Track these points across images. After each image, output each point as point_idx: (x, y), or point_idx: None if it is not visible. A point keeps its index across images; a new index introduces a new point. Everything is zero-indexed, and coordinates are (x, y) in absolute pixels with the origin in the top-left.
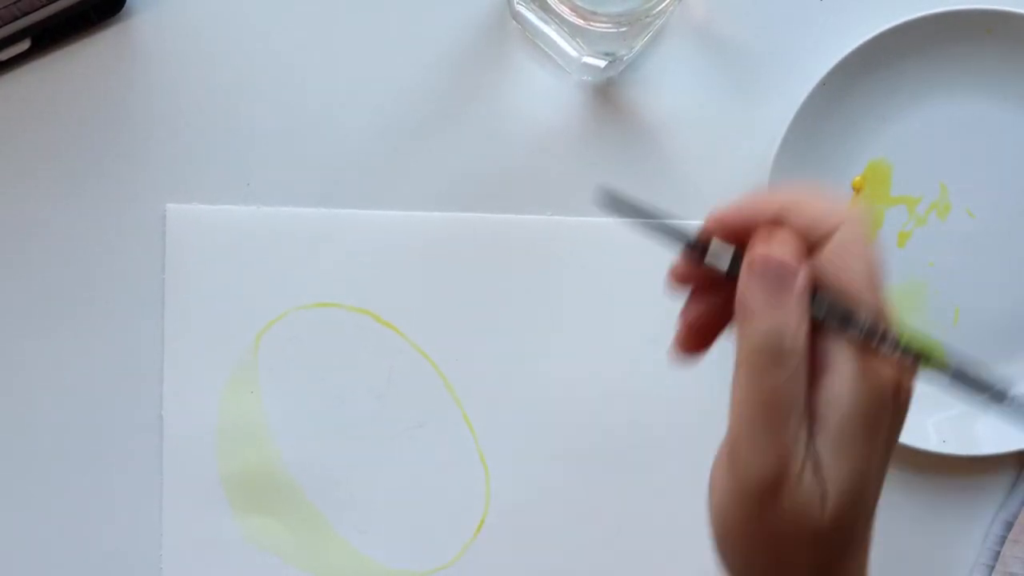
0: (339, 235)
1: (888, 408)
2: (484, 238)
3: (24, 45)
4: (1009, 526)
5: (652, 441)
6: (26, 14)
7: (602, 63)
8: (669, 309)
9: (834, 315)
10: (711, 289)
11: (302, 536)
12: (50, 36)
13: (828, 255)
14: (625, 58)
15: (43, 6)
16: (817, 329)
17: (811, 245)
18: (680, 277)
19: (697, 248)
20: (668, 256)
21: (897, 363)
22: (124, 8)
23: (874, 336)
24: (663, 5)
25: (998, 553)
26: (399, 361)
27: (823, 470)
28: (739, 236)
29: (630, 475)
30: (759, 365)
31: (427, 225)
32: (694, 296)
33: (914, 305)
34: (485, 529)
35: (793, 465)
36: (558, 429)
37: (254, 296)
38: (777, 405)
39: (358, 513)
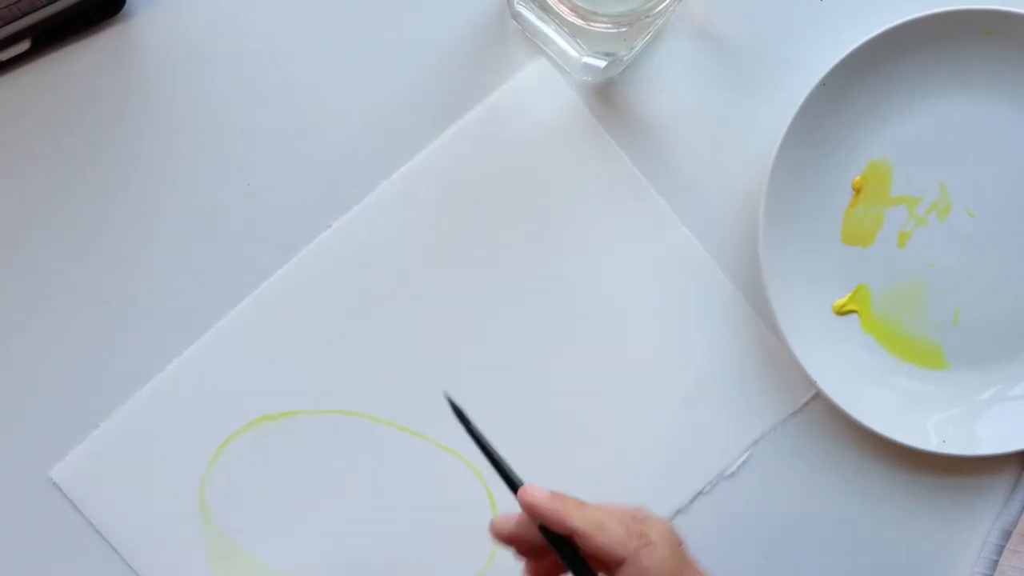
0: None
1: None
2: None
3: (24, 45)
4: (1006, 535)
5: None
6: (26, 14)
7: (602, 63)
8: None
9: None
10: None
11: None
12: (50, 36)
13: None
14: (625, 58)
15: (43, 6)
16: None
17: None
18: (502, 536)
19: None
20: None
21: None
22: (124, 8)
23: None
24: (663, 5)
25: (995, 562)
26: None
27: None
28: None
29: None
30: None
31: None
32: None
33: (914, 305)
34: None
35: None
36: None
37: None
38: None
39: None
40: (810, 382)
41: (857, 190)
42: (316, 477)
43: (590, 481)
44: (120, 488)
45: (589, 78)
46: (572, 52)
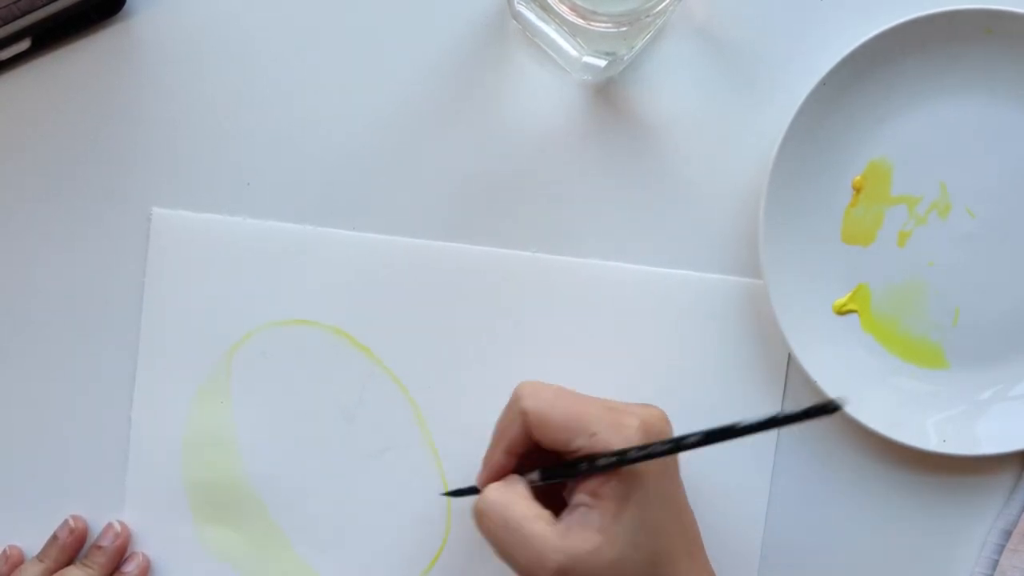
0: (322, 254)
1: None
2: (465, 269)
3: (24, 45)
4: (1007, 535)
5: None
6: (26, 14)
7: (602, 63)
8: (642, 353)
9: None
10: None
11: (260, 550)
12: (50, 36)
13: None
14: (625, 58)
15: (43, 6)
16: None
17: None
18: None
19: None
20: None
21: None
22: (124, 8)
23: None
24: (663, 5)
25: (995, 562)
26: (371, 384)
27: None
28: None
29: None
30: None
31: (409, 251)
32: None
33: (914, 305)
34: (443, 556)
35: None
36: None
37: (233, 307)
38: None
39: (318, 533)
40: (810, 382)
41: (857, 190)
42: (311, 389)
43: None
44: None
45: (589, 78)
46: (572, 52)
